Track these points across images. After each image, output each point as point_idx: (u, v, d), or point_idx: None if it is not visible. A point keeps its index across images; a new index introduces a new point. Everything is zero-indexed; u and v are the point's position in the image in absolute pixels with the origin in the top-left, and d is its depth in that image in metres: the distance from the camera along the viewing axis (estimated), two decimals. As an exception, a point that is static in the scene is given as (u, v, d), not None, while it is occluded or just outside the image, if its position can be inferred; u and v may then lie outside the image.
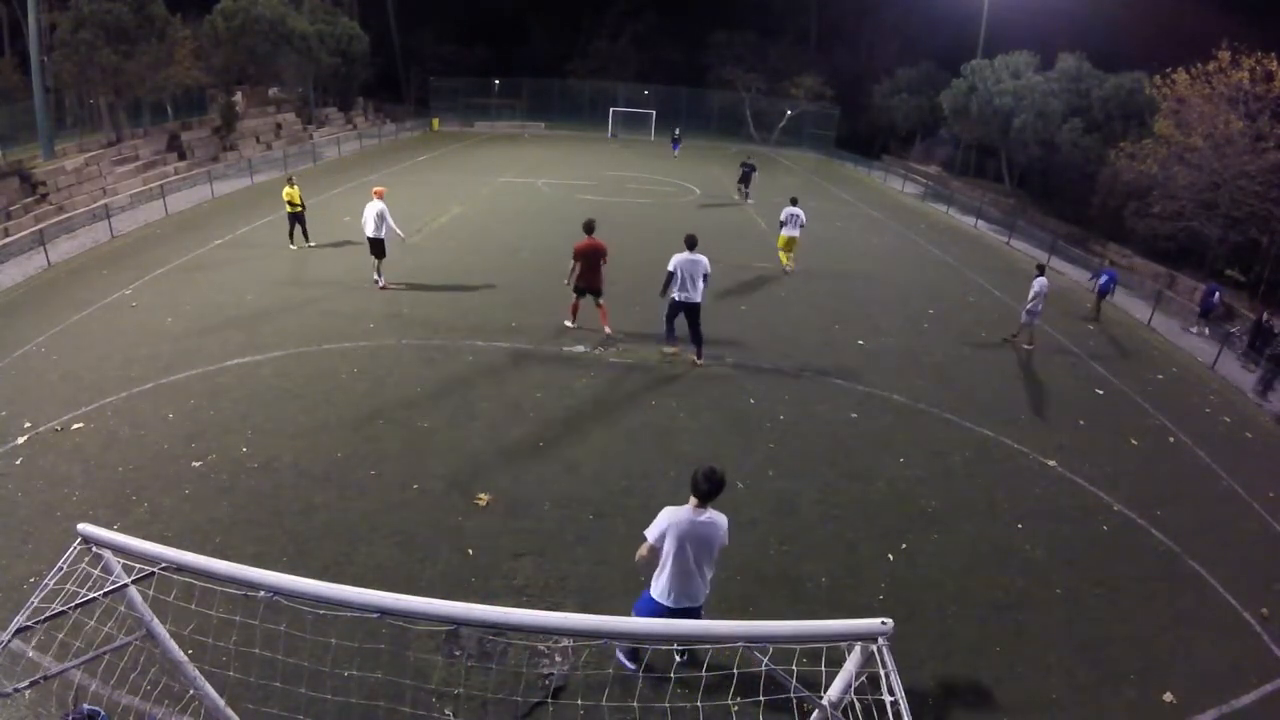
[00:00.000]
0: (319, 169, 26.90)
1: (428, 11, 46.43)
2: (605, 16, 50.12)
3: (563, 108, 46.89)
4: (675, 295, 10.27)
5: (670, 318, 10.65)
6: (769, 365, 11.13)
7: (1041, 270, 13.21)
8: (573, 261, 11.02)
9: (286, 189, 15.51)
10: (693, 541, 4.53)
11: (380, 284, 13.29)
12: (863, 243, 20.85)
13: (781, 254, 16.58)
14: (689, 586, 4.63)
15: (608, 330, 11.49)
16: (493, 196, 22.75)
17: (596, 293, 11.28)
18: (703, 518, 4.55)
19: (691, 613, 4.73)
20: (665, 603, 4.66)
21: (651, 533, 4.62)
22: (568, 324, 11.83)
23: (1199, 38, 21.53)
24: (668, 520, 4.57)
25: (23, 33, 24.86)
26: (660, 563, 4.65)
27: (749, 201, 24.71)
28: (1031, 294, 12.75)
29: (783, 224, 16.28)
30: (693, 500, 4.57)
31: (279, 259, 15.11)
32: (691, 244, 10.22)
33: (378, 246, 13.05)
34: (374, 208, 12.76)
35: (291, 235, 15.78)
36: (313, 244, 15.97)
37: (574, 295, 11.43)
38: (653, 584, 4.75)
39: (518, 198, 22.68)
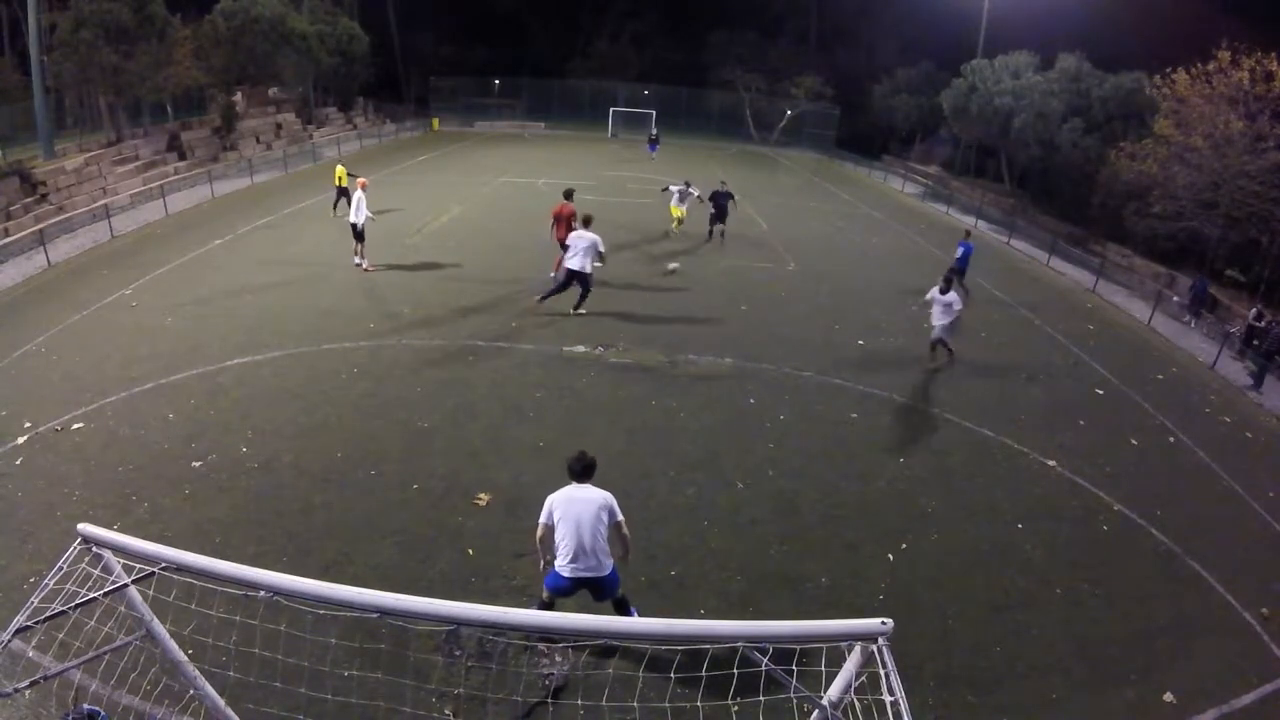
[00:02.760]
0: (319, 169, 26.87)
1: (428, 11, 46.39)
2: (605, 16, 50.11)
3: (563, 108, 46.85)
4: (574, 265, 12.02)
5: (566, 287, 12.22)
6: (769, 365, 11.12)
7: (950, 283, 11.47)
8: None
9: (338, 168, 18.94)
10: (577, 509, 5.11)
11: (364, 266, 14.34)
12: (863, 243, 20.84)
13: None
14: (585, 556, 5.11)
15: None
16: (493, 197, 22.74)
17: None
18: (581, 491, 5.21)
19: (595, 583, 5.21)
20: (565, 573, 5.16)
21: (541, 516, 5.20)
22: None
23: (1199, 38, 21.50)
24: (550, 501, 5.21)
25: (23, 32, 24.85)
26: (557, 539, 5.18)
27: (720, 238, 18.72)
28: (954, 312, 11.26)
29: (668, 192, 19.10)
30: (572, 483, 5.26)
31: (279, 259, 15.09)
32: (586, 222, 12.19)
33: (358, 231, 14.21)
34: (355, 197, 13.92)
35: (335, 206, 18.72)
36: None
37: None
38: (556, 559, 5.23)
39: (518, 198, 22.67)
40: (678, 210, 18.82)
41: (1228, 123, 19.25)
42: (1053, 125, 26.34)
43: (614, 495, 5.34)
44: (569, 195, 13.75)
